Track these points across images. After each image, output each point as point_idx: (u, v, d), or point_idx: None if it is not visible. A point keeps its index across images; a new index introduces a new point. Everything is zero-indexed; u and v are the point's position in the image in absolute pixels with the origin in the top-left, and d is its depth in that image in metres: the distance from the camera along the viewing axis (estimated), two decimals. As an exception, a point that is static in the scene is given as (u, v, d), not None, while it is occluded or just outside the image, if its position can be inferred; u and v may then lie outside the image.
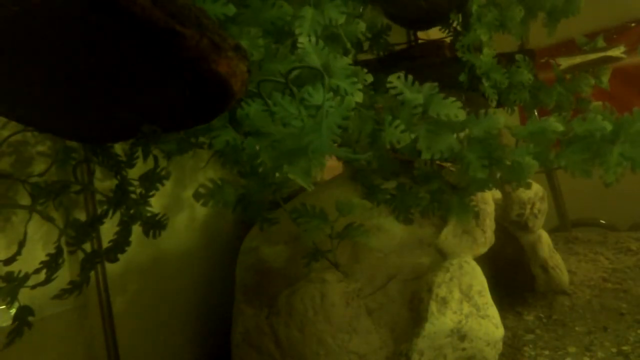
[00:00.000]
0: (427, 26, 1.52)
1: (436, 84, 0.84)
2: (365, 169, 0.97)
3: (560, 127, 0.85)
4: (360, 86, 0.76)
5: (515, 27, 1.39)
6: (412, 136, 0.81)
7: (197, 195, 0.85)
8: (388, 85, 0.84)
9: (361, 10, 1.13)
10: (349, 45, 0.90)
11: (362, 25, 0.93)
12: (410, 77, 0.84)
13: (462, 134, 0.86)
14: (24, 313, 0.93)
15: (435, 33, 1.55)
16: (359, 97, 0.75)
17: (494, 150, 0.86)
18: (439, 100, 0.83)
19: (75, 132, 0.85)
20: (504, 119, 0.86)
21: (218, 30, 0.54)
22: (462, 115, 0.83)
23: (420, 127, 0.84)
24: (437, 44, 1.39)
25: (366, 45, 1.39)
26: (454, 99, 0.83)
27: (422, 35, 1.58)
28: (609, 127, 0.84)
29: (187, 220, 1.46)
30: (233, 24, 0.77)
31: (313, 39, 0.78)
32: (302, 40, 0.76)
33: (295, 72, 0.72)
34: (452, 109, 0.83)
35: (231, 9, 0.72)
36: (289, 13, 0.82)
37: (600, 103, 0.89)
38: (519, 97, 1.37)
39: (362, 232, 0.93)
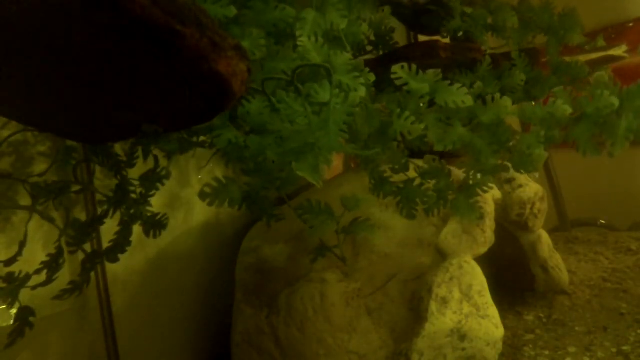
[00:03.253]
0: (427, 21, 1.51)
1: (439, 70, 0.84)
2: (374, 161, 0.96)
3: (569, 110, 0.84)
4: (362, 80, 0.76)
5: (509, 32, 1.39)
6: (422, 126, 0.81)
7: (202, 195, 0.85)
8: (393, 77, 0.83)
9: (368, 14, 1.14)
10: (348, 47, 0.90)
11: (364, 27, 0.92)
12: (414, 66, 0.84)
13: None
14: (25, 313, 0.93)
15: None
16: (362, 92, 0.75)
17: (503, 136, 0.86)
18: (445, 87, 0.83)
19: (75, 132, 0.86)
20: (510, 104, 0.86)
21: (218, 30, 0.54)
22: (469, 101, 0.82)
23: (429, 116, 0.83)
24: (430, 44, 1.38)
25: (369, 48, 1.39)
26: (459, 85, 0.83)
27: (424, 36, 1.57)
28: (616, 102, 0.84)
29: (187, 220, 1.46)
30: (235, 24, 0.77)
31: (313, 38, 0.78)
32: (302, 39, 0.76)
33: (298, 70, 0.72)
34: (459, 95, 0.82)
35: (232, 11, 0.72)
36: (291, 15, 0.82)
37: (603, 73, 0.89)
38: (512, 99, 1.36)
39: (369, 227, 0.93)
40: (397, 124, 0.81)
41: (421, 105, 0.84)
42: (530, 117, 0.86)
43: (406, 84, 0.84)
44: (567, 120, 0.87)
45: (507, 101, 0.86)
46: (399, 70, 0.84)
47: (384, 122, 0.83)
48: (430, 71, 0.84)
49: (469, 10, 1.36)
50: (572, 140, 0.88)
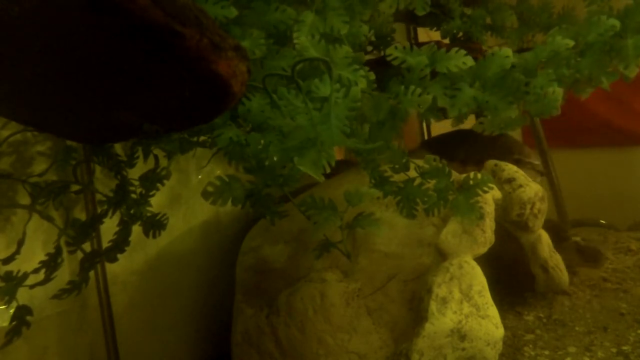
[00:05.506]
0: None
1: (433, 42, 0.84)
2: (374, 160, 0.96)
3: (571, 43, 0.82)
4: (363, 72, 0.75)
5: (507, 32, 1.38)
6: (431, 97, 0.80)
7: (205, 194, 0.85)
8: (388, 59, 0.83)
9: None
10: (349, 47, 0.90)
11: (364, 28, 0.92)
12: (407, 44, 0.84)
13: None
14: (22, 312, 0.92)
15: (436, 35, 1.54)
16: (363, 84, 0.74)
17: (512, 85, 0.84)
18: (443, 55, 0.82)
19: (75, 132, 0.85)
20: (510, 53, 0.84)
21: (218, 31, 0.54)
22: (470, 61, 0.81)
23: (435, 86, 0.83)
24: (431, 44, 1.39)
25: (370, 48, 1.39)
26: (457, 48, 0.82)
27: (424, 37, 1.57)
28: (617, 23, 0.81)
29: (187, 220, 1.46)
30: (235, 25, 0.77)
31: (310, 37, 0.78)
32: (300, 39, 0.76)
33: (298, 67, 0.72)
34: (459, 58, 0.81)
35: (232, 12, 0.72)
36: (291, 17, 0.81)
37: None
38: None
39: (373, 221, 0.92)
40: (405, 100, 0.80)
41: (423, 77, 0.83)
42: (533, 62, 0.84)
43: (404, 62, 0.84)
44: (573, 56, 0.83)
45: (507, 51, 0.84)
46: (393, 51, 0.84)
47: (392, 105, 0.82)
48: (425, 45, 0.84)
49: (468, 11, 1.36)
50: (584, 75, 0.84)
